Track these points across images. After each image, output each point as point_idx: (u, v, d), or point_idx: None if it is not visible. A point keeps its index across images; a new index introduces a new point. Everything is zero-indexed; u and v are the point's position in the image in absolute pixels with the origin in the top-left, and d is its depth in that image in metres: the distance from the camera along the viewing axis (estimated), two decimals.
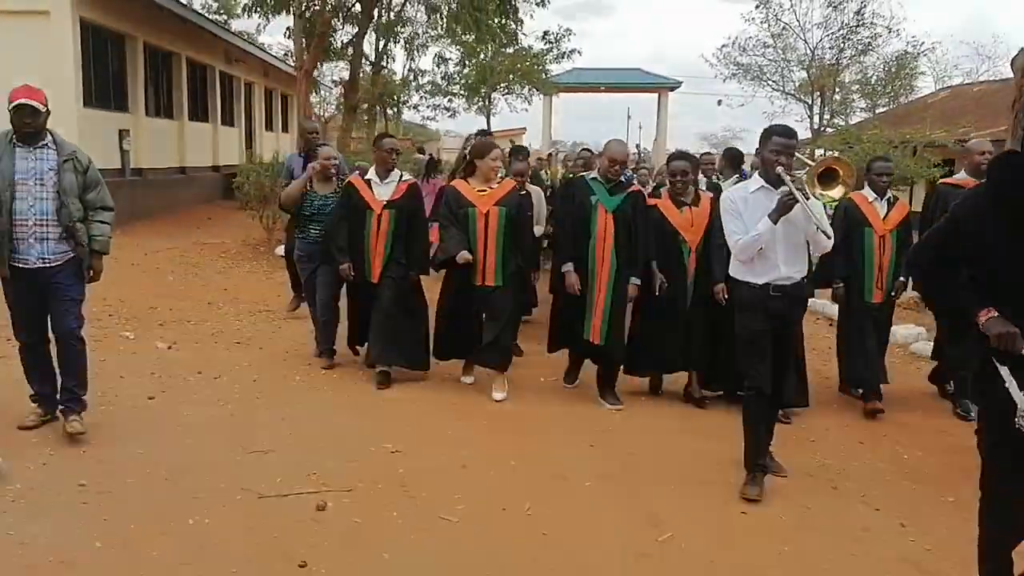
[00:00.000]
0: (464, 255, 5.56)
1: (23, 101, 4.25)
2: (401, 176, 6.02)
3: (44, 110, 4.36)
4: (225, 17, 31.54)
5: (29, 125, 4.29)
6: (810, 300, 5.43)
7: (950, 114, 22.83)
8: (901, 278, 5.70)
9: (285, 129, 27.08)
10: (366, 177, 5.97)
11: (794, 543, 3.73)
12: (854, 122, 26.43)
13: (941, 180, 6.42)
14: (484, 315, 5.75)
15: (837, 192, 4.20)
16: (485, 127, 7.77)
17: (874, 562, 3.62)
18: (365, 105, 18.39)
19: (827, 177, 4.10)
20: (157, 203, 15.06)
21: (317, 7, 15.03)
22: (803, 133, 27.97)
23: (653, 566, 3.48)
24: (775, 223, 3.98)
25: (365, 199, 5.88)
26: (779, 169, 3.96)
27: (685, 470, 4.59)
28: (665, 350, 5.70)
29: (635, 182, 7.12)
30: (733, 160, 8.25)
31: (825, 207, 4.42)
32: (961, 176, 5.87)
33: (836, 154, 4.68)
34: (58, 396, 4.64)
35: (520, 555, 3.51)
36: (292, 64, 24.29)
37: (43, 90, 4.41)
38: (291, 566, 3.30)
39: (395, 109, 27.41)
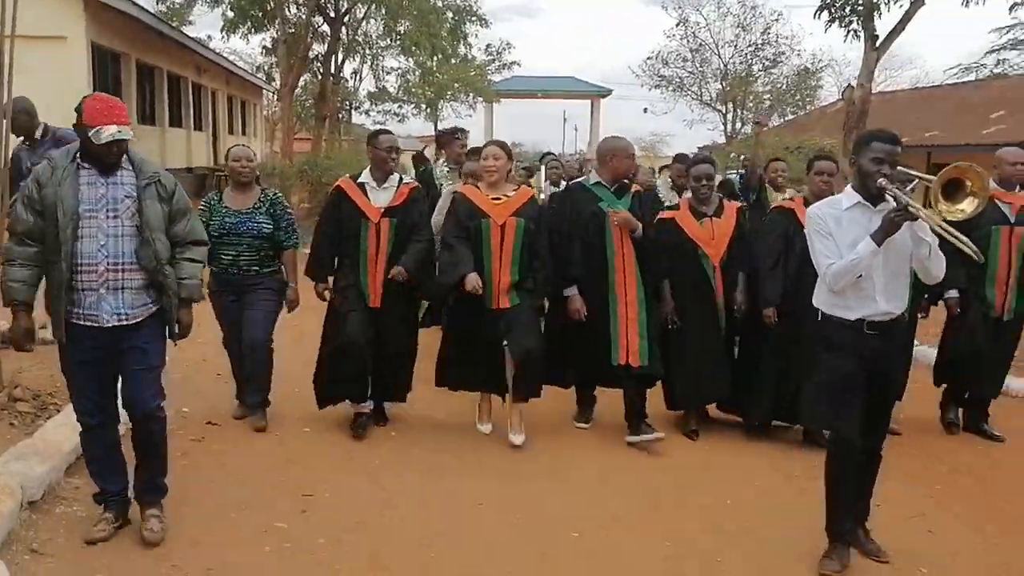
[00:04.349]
0: (473, 280, 4.79)
1: (117, 134, 3.24)
2: (401, 179, 5.09)
3: (132, 135, 3.38)
4: (177, 23, 32.88)
5: (116, 154, 3.34)
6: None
7: (842, 123, 26.00)
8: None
9: (244, 132, 29.23)
10: (359, 180, 5.04)
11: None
12: (764, 130, 29.65)
13: None
14: (506, 341, 4.85)
15: (968, 205, 3.27)
16: (457, 127, 7.94)
17: None
18: (328, 114, 20.57)
19: (952, 188, 3.30)
20: None
21: (292, 31, 17.32)
22: (718, 138, 31.15)
23: None
24: (879, 245, 3.34)
25: (359, 206, 4.95)
26: (882, 180, 3.36)
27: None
28: (712, 380, 5.18)
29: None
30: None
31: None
32: (992, 186, 5.09)
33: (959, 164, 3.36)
34: (130, 487, 3.69)
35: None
36: (254, 75, 26.42)
37: (123, 104, 3.43)
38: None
39: (348, 114, 29.55)
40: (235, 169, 5.01)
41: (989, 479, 4.91)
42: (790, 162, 22.19)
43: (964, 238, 3.27)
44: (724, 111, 30.82)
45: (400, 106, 27.37)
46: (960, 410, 5.64)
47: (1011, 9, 10.52)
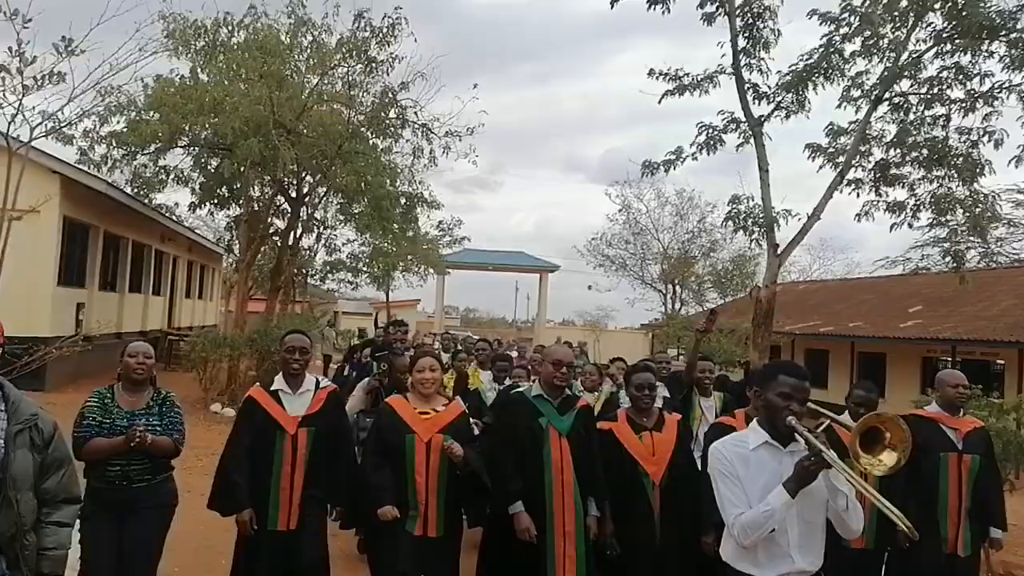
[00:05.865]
0: (388, 511, 4.34)
1: None
2: (318, 383, 4.80)
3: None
4: (146, 191, 33.86)
5: None
6: None
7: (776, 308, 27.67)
8: None
9: (200, 296, 30.09)
10: (272, 388, 4.71)
11: None
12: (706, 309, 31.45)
13: (912, 411, 5.44)
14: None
15: (888, 458, 3.02)
16: (396, 320, 8.49)
17: None
18: (282, 285, 21.57)
19: (870, 438, 3.05)
20: (100, 366, 17.44)
21: (256, 208, 18.62)
22: (656, 316, 32.81)
23: None
24: (793, 496, 3.00)
25: (273, 416, 4.60)
26: (791, 419, 3.10)
27: None
28: None
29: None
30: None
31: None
32: (933, 408, 5.14)
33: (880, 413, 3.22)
34: None
35: None
36: (216, 242, 27.57)
37: None
38: None
39: (303, 278, 30.70)
40: (129, 366, 4.36)
41: None
42: (723, 344, 23.41)
43: (889, 504, 2.91)
44: (664, 291, 32.69)
45: (354, 275, 28.62)
46: None
47: (891, 228, 12.05)
